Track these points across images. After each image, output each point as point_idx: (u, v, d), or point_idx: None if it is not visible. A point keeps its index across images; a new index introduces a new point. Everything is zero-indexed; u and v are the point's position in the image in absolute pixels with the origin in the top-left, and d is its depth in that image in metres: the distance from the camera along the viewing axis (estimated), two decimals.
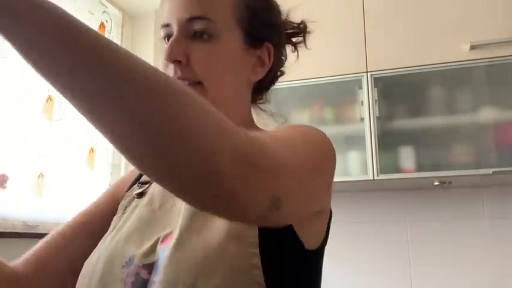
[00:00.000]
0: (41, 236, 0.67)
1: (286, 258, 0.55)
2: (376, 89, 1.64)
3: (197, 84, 0.60)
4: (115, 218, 0.64)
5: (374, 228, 1.86)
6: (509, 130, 1.58)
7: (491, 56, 1.55)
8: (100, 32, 1.87)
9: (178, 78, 0.60)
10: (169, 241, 0.54)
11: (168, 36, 0.61)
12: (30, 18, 0.31)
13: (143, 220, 0.59)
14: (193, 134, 0.35)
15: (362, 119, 1.64)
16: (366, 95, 1.64)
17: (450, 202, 1.80)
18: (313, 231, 0.58)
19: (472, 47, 1.55)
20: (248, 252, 0.51)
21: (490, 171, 1.49)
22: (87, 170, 1.76)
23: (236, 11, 0.61)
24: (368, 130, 1.61)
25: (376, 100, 1.63)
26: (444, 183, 1.60)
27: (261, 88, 0.71)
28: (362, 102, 1.65)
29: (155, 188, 0.63)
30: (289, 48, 0.73)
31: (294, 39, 0.73)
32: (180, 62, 0.59)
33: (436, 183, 1.61)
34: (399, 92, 1.73)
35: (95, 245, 0.61)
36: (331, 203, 0.62)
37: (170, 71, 0.61)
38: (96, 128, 0.35)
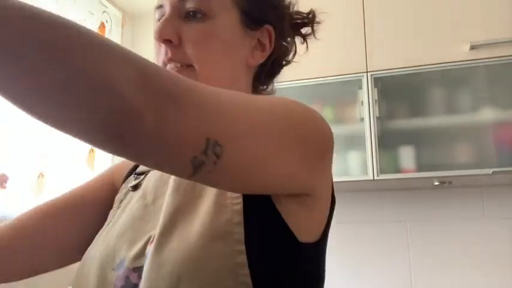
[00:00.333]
0: None
1: (277, 253, 0.50)
2: (376, 89, 1.64)
3: (188, 67, 0.57)
4: (111, 212, 0.62)
5: (374, 228, 1.86)
6: (509, 130, 1.58)
7: (491, 56, 1.55)
8: (100, 32, 1.87)
9: (169, 59, 0.57)
10: None
11: (162, 18, 0.58)
12: None
13: (136, 216, 0.57)
14: (95, 71, 0.33)
15: (362, 119, 1.64)
16: (366, 95, 1.64)
17: (450, 202, 1.80)
18: (307, 220, 0.53)
19: (472, 47, 1.55)
20: (233, 250, 0.47)
21: (490, 171, 1.49)
22: (87, 170, 1.76)
23: None
24: (368, 130, 1.61)
25: (376, 100, 1.63)
26: (444, 183, 1.60)
27: (264, 75, 0.67)
28: (362, 102, 1.65)
29: (149, 182, 0.61)
30: (298, 41, 0.70)
31: (303, 31, 0.70)
32: (171, 42, 0.57)
33: (436, 183, 1.61)
34: (399, 92, 1.73)
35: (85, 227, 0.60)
36: None
37: (161, 53, 0.58)
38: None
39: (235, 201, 0.51)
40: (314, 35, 0.70)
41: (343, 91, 1.74)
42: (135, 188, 0.62)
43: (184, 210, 0.52)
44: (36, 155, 1.49)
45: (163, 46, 0.58)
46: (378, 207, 1.88)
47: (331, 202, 0.58)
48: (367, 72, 1.66)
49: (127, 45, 2.01)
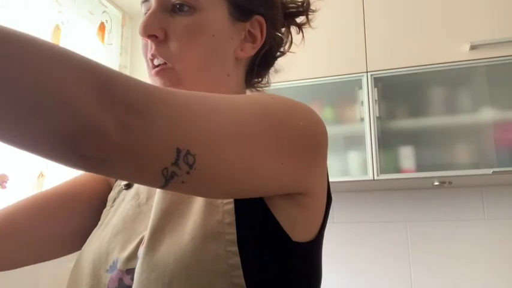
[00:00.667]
0: None
1: (270, 253, 0.49)
2: (376, 89, 1.64)
3: (168, 67, 0.55)
4: (104, 211, 0.61)
5: (374, 228, 1.86)
6: (509, 130, 1.58)
7: (491, 56, 1.55)
8: (100, 32, 1.86)
9: (152, 55, 0.56)
10: None
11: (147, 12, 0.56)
12: None
13: (128, 217, 0.55)
14: (51, 87, 0.30)
15: (362, 119, 1.64)
16: (366, 95, 1.64)
17: (450, 202, 1.80)
18: (301, 219, 0.51)
19: (472, 47, 1.55)
20: (226, 251, 0.46)
21: (490, 171, 1.49)
22: None
23: None
24: (368, 130, 1.61)
25: (376, 100, 1.63)
26: (444, 183, 1.60)
27: (257, 67, 0.64)
28: (362, 102, 1.65)
29: None
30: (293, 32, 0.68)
31: (298, 21, 0.67)
32: (156, 37, 0.55)
33: (436, 183, 1.61)
34: (399, 92, 1.73)
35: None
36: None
37: (147, 49, 0.56)
38: None
39: (226, 201, 0.50)
40: (309, 24, 0.67)
41: (343, 91, 1.74)
42: (128, 186, 0.61)
43: (175, 211, 0.51)
44: None
45: (148, 41, 0.56)
46: (378, 207, 1.88)
47: (327, 200, 0.56)
48: (367, 72, 1.66)
49: (127, 45, 2.01)
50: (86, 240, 0.60)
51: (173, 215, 0.50)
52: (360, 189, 1.87)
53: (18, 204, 0.60)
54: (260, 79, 0.68)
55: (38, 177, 1.49)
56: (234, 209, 0.49)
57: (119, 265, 0.50)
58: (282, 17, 0.65)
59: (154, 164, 0.36)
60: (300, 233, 0.51)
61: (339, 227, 1.89)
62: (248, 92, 0.66)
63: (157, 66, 0.56)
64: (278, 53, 0.67)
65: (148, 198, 0.56)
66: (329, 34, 1.71)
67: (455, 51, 1.59)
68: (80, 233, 0.61)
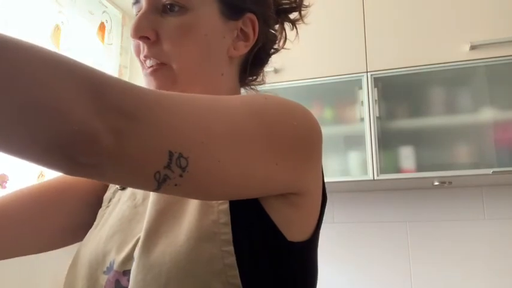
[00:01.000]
0: None
1: (265, 253, 0.49)
2: (376, 89, 1.64)
3: (164, 65, 0.55)
4: (100, 212, 0.61)
5: (374, 228, 1.86)
6: (509, 130, 1.58)
7: (491, 56, 1.55)
8: (100, 32, 1.86)
9: (145, 56, 0.55)
10: None
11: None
12: None
13: (125, 218, 0.55)
14: (42, 94, 0.30)
15: (362, 119, 1.64)
16: (366, 95, 1.64)
17: (450, 202, 1.80)
18: (296, 219, 0.51)
19: (472, 47, 1.55)
20: (221, 251, 0.46)
21: (490, 171, 1.49)
22: None
23: None
24: (368, 130, 1.61)
25: (376, 100, 1.63)
26: (444, 183, 1.60)
27: (251, 65, 0.64)
28: (362, 102, 1.65)
29: None
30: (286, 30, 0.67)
31: (292, 17, 0.67)
32: (148, 38, 0.54)
33: (436, 183, 1.61)
34: (399, 92, 1.73)
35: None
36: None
37: (139, 50, 0.56)
38: None
39: (221, 201, 0.50)
40: (302, 20, 0.67)
41: (343, 91, 1.74)
42: (124, 187, 0.61)
43: (170, 212, 0.51)
44: None
45: (140, 43, 0.56)
46: (377, 207, 1.88)
47: (322, 200, 0.56)
48: (367, 72, 1.66)
49: (127, 45, 2.01)
50: (76, 235, 0.59)
51: (168, 215, 0.50)
52: (360, 189, 1.87)
53: (12, 195, 0.60)
54: (255, 77, 0.67)
55: (38, 177, 1.49)
56: (229, 209, 0.49)
57: (115, 266, 0.50)
58: (275, 13, 0.64)
59: (147, 167, 0.36)
60: (295, 233, 0.51)
61: (339, 227, 1.89)
62: (243, 91, 0.66)
63: (152, 66, 0.56)
64: (272, 50, 0.66)
65: (145, 199, 0.56)
66: (329, 34, 1.71)
67: (455, 51, 1.59)
68: (71, 227, 0.61)
